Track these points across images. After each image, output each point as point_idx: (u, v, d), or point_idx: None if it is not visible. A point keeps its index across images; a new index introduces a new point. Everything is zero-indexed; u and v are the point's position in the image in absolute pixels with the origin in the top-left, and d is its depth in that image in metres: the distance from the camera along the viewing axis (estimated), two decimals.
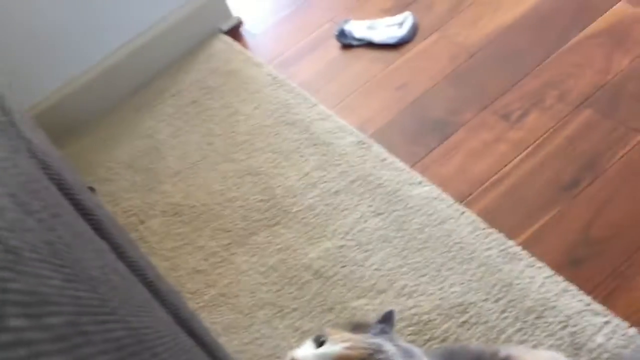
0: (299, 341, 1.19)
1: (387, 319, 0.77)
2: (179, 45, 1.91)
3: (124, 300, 0.38)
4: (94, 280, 0.33)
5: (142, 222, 1.51)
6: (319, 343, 0.70)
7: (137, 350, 0.31)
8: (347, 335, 0.69)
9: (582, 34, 1.52)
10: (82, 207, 0.51)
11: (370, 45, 1.74)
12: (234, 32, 1.98)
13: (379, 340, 0.70)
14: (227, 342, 1.22)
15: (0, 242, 0.21)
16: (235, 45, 1.91)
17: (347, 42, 1.76)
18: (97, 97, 1.83)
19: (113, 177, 1.65)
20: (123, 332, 0.31)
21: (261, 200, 1.46)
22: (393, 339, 0.74)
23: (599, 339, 1.01)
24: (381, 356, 0.66)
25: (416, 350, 0.75)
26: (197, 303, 1.31)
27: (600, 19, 1.53)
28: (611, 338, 1.00)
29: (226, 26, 1.97)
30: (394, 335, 0.76)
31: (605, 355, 0.98)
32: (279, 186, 1.47)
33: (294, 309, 1.24)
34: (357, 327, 0.75)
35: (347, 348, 0.66)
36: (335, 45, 1.80)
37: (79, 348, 0.21)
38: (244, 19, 2.01)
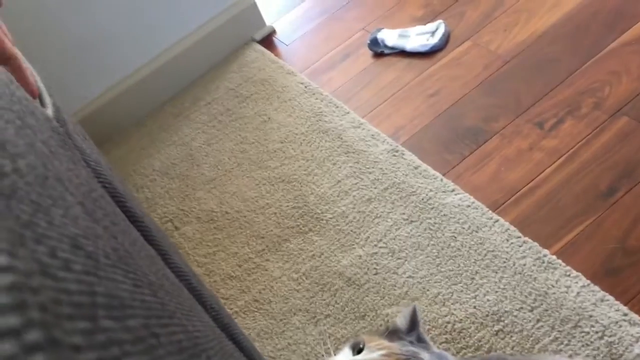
0: (332, 347, 1.20)
1: (413, 320, 0.77)
2: (213, 54, 1.95)
3: (177, 304, 0.39)
4: (153, 285, 0.34)
5: (177, 228, 1.54)
6: (357, 350, 0.71)
7: (196, 353, 0.32)
8: (385, 343, 0.70)
9: (618, 41, 1.50)
10: (132, 215, 0.53)
11: (402, 53, 1.75)
12: (267, 41, 2.01)
13: (414, 348, 0.71)
14: (260, 347, 1.24)
15: (81, 249, 0.23)
16: (268, 54, 1.94)
17: (379, 51, 1.78)
18: (133, 105, 1.88)
19: (149, 184, 1.69)
20: (182, 335, 0.32)
21: (294, 208, 1.47)
22: (427, 347, 0.75)
23: (637, 349, 0.99)
24: None
25: (449, 356, 0.75)
26: (231, 309, 1.33)
27: (636, 25, 1.51)
28: None
29: (259, 35, 2.00)
30: (428, 343, 0.76)
31: None
32: (312, 193, 1.48)
33: (327, 316, 1.25)
34: (392, 334, 0.76)
35: (385, 355, 0.67)
36: (367, 53, 1.81)
37: (154, 349, 0.23)
38: (276, 28, 2.04)
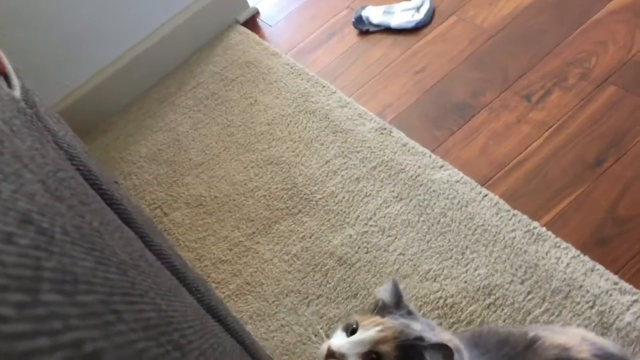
0: (325, 328, 1.20)
1: (397, 293, 0.77)
2: (196, 37, 1.92)
3: (152, 284, 0.39)
4: (123, 264, 0.33)
5: (166, 214, 1.53)
6: (350, 331, 0.71)
7: (167, 331, 0.32)
8: (379, 319, 0.71)
9: (604, 10, 1.49)
10: (108, 198, 0.52)
11: (387, 30, 1.73)
12: (251, 22, 1.98)
13: (406, 320, 0.71)
14: (253, 330, 1.24)
15: (32, 224, 0.22)
16: (253, 36, 1.91)
17: (364, 29, 1.76)
18: (118, 92, 1.85)
19: (137, 171, 1.67)
20: (153, 314, 0.31)
21: (283, 189, 1.46)
22: (416, 318, 0.75)
23: (628, 317, 1.00)
24: (410, 331, 0.67)
25: (435, 325, 0.75)
26: (223, 292, 1.33)
27: None
28: None
29: (243, 17, 1.97)
30: (416, 315, 0.77)
31: (635, 334, 0.97)
32: (300, 175, 1.47)
33: (319, 296, 1.24)
34: (382, 310, 0.76)
35: (381, 331, 0.67)
36: (352, 32, 1.79)
37: (111, 325, 0.22)
38: (260, 9, 2.01)
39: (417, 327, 0.70)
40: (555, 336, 0.76)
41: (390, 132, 1.45)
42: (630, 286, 1.03)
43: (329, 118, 1.56)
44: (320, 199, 1.41)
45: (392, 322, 0.70)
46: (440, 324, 1.11)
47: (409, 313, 0.75)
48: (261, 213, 1.44)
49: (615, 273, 1.05)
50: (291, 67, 1.74)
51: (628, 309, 1.01)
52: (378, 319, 0.72)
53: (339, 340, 0.70)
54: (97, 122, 1.86)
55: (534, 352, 0.73)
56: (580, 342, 0.74)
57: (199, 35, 1.92)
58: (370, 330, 0.68)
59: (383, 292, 0.77)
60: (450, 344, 0.65)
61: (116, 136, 1.81)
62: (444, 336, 0.72)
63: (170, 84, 1.88)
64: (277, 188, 1.47)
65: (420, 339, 0.67)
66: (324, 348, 0.71)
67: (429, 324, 0.73)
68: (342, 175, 1.42)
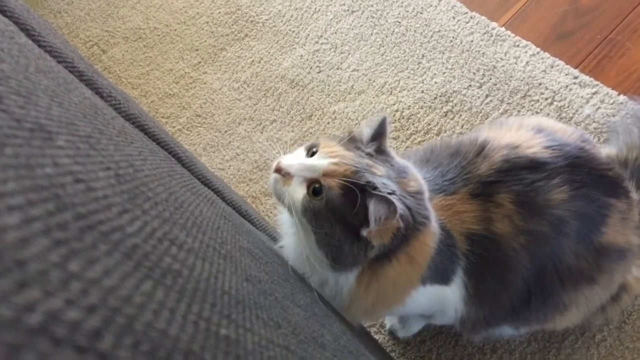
0: (282, 150, 1.16)
1: (379, 131, 0.68)
2: None
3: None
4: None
5: (104, 51, 1.42)
6: (310, 153, 0.65)
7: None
8: (340, 151, 0.63)
9: None
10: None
11: None
12: None
13: (370, 161, 0.63)
14: (208, 161, 1.20)
15: None
16: None
17: None
18: None
19: (66, 8, 1.52)
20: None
21: (227, 13, 1.35)
22: (389, 159, 0.66)
23: (587, 110, 0.97)
24: (366, 174, 0.60)
25: (411, 168, 0.68)
26: (174, 127, 1.26)
27: None
28: (599, 108, 0.96)
29: None
30: (390, 155, 0.68)
31: (594, 126, 0.95)
32: None
33: (273, 121, 1.19)
34: (350, 142, 0.67)
35: (334, 164, 0.60)
36: None
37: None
38: None
39: (379, 171, 0.62)
40: (503, 134, 0.72)
41: None
42: (591, 79, 0.99)
43: None
44: (267, 20, 1.30)
45: (352, 159, 0.62)
46: (398, 137, 1.07)
47: (381, 152, 0.66)
48: (205, 41, 1.34)
49: (576, 67, 1.01)
50: None
51: (587, 102, 0.97)
52: (340, 150, 0.64)
53: (291, 159, 0.64)
54: None
55: (484, 157, 0.69)
56: (532, 136, 0.70)
57: None
58: (324, 159, 0.61)
59: (365, 126, 0.68)
60: (397, 203, 0.57)
61: None
62: (408, 185, 0.64)
63: None
64: (219, 12, 1.36)
65: (371, 185, 0.60)
66: (275, 162, 0.66)
67: (400, 169, 0.65)
68: None
